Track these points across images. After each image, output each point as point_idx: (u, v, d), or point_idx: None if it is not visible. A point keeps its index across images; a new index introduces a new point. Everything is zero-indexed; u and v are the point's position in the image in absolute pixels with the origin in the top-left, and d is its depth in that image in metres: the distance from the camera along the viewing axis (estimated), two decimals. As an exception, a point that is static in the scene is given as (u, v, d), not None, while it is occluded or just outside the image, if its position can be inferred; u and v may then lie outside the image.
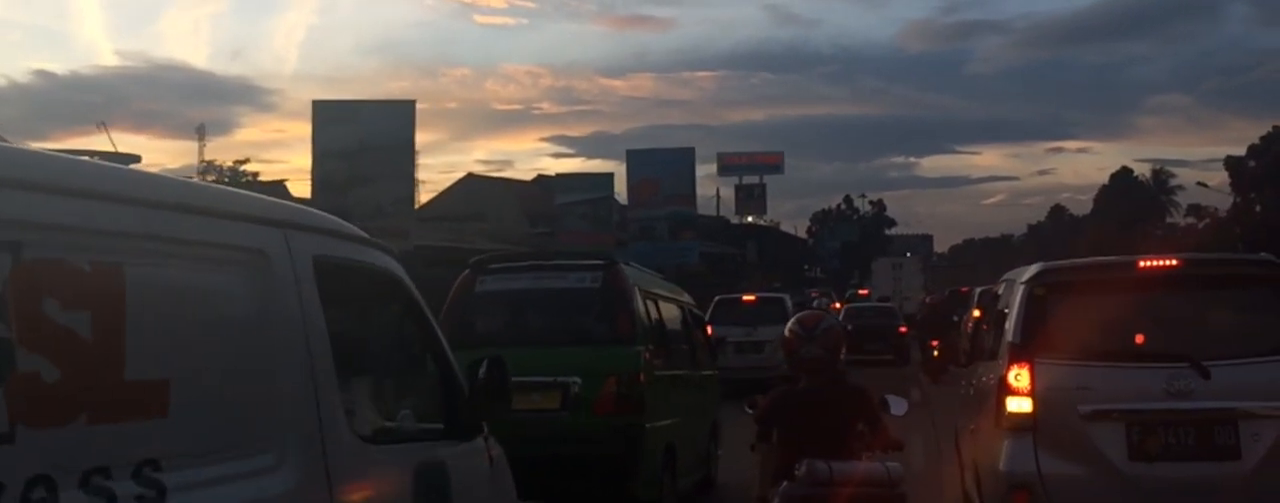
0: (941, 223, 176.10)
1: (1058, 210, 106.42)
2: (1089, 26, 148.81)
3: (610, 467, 8.13)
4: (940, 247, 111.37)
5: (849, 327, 26.52)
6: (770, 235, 74.02)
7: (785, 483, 5.01)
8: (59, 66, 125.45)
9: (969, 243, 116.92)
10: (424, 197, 51.49)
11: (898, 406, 5.68)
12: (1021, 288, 6.82)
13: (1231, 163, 61.40)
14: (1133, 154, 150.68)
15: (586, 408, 8.21)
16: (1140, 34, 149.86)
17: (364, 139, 24.90)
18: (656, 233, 34.87)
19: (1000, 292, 7.87)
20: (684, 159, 36.61)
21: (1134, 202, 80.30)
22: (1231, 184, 59.96)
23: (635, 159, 36.48)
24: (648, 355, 8.54)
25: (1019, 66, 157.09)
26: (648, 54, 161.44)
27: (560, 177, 37.22)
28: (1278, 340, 6.47)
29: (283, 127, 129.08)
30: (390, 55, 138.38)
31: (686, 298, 11.38)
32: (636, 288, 8.95)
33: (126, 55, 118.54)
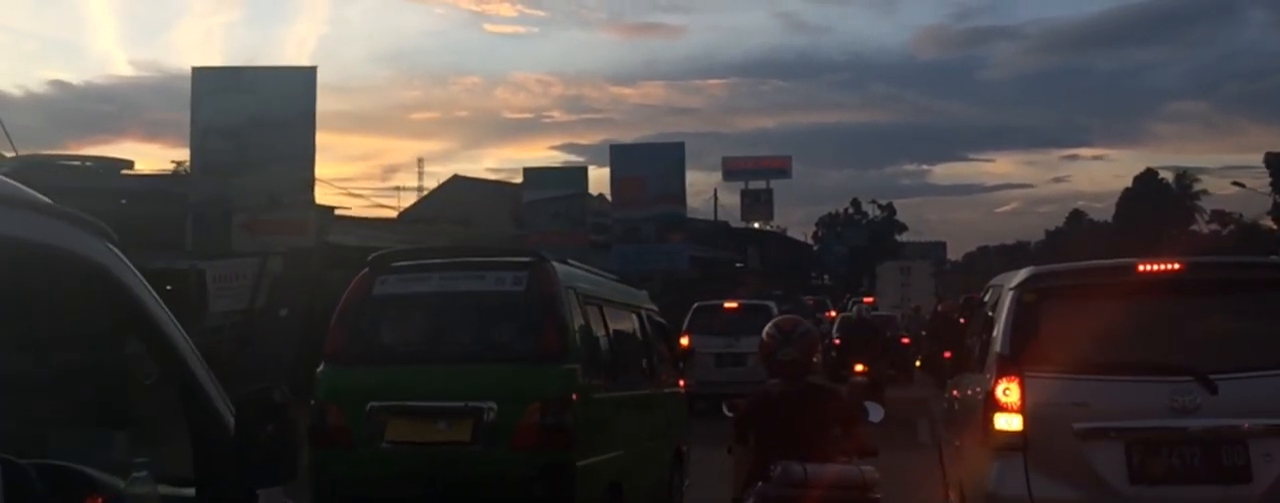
0: (954, 231, 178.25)
1: (1077, 216, 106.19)
2: (1103, 32, 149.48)
3: None
4: (953, 254, 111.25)
5: (838, 339, 26.03)
6: (774, 241, 73.75)
7: (760, 484, 5.20)
8: (74, 76, 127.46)
9: (983, 250, 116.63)
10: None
11: (875, 412, 5.88)
12: (1010, 294, 6.56)
13: (1271, 160, 61.26)
14: (1149, 161, 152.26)
15: (503, 441, 7.07)
16: (1156, 40, 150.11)
17: (255, 113, 21.14)
18: (642, 235, 33.16)
19: (986, 298, 7.59)
20: (672, 155, 34.89)
21: (1158, 207, 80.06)
22: (1271, 183, 59.81)
23: (619, 155, 34.95)
24: (583, 374, 7.46)
25: (1033, 73, 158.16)
26: (658, 62, 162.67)
27: (529, 172, 35.17)
28: None
29: None
30: (402, 64, 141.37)
31: (647, 303, 10.41)
32: (573, 291, 7.80)
33: (140, 65, 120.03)
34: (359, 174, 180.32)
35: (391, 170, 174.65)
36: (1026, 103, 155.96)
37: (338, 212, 30.07)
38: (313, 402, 7.35)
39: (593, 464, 7.34)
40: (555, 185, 33.55)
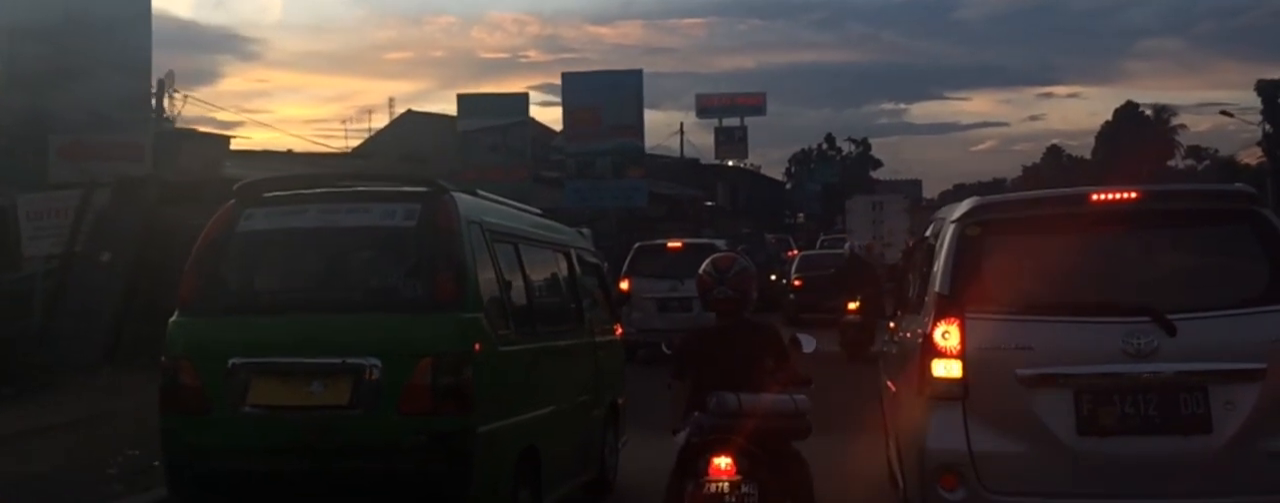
0: (930, 169, 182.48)
1: (1054, 152, 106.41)
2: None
3: (426, 490, 6.20)
4: (929, 193, 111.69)
5: (798, 280, 25.27)
6: (745, 178, 73.35)
7: (696, 414, 5.54)
8: None
9: (959, 188, 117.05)
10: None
11: (808, 343, 6.11)
12: (952, 227, 6.11)
13: (1264, 87, 61.07)
14: (1124, 98, 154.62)
15: (388, 404, 6.16)
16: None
17: (74, 10, 17.69)
18: (597, 170, 31.91)
19: (929, 232, 7.12)
20: (628, 83, 33.15)
21: (1139, 140, 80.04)
22: (1263, 112, 59.71)
23: (571, 84, 33.09)
24: (489, 324, 6.55)
25: (1009, 11, 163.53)
26: (636, 1, 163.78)
27: (464, 98, 33.15)
28: (1257, 288, 5.77)
29: (266, 76, 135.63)
30: (375, 4, 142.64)
31: (580, 242, 9.53)
32: (479, 227, 6.84)
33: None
34: (332, 115, 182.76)
35: (366, 111, 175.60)
36: (1002, 41, 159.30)
37: (236, 143, 28.54)
38: (163, 359, 6.56)
39: (498, 429, 6.51)
40: (493, 113, 31.85)
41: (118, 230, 16.75)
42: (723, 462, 5.37)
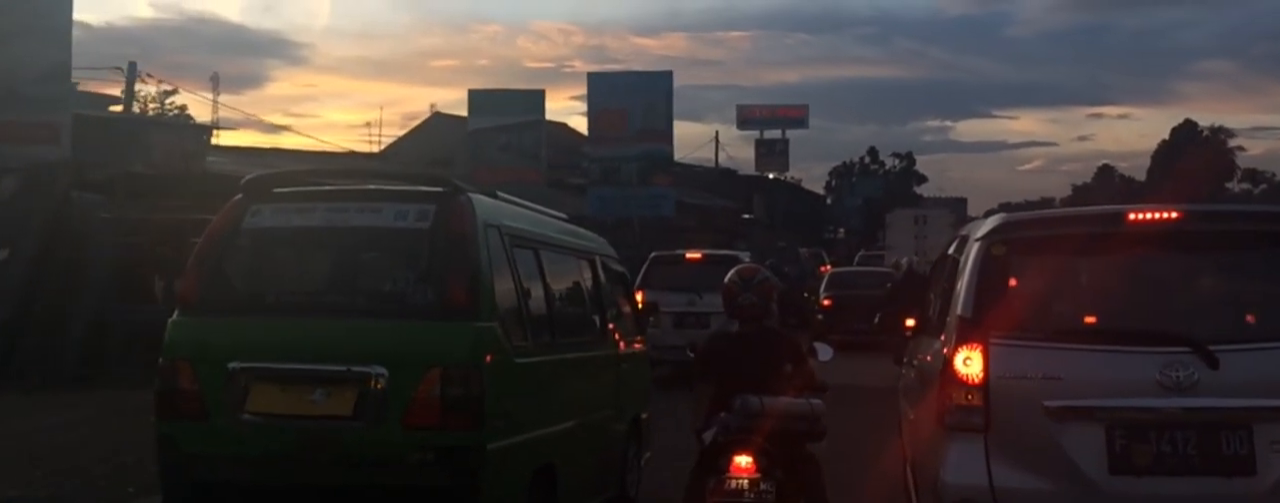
0: (976, 188, 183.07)
1: (1106, 171, 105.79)
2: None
3: None
4: (975, 211, 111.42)
5: (828, 300, 24.30)
6: (784, 191, 73.13)
7: (722, 414, 6.06)
8: (94, 18, 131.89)
9: (1004, 207, 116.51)
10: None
11: (824, 352, 6.75)
12: (976, 245, 5.84)
13: None
14: (1175, 120, 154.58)
15: (393, 416, 5.96)
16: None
17: None
18: (622, 176, 30.96)
19: (952, 250, 6.85)
20: (657, 85, 31.97)
21: (1197, 160, 79.29)
22: None
23: (598, 84, 32.15)
24: (503, 334, 6.36)
25: (1059, 29, 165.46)
26: (681, 13, 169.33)
27: (475, 94, 31.93)
28: None
29: (314, 81, 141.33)
30: (421, 11, 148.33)
31: (604, 249, 9.30)
32: (496, 231, 6.65)
33: (160, 7, 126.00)
34: (376, 121, 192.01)
35: (411, 118, 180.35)
36: (1052, 60, 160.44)
37: (218, 131, 28.05)
38: (160, 360, 6.39)
39: (511, 446, 6.30)
40: (505, 111, 31.03)
41: (22, 225, 15.25)
42: (744, 460, 5.93)
